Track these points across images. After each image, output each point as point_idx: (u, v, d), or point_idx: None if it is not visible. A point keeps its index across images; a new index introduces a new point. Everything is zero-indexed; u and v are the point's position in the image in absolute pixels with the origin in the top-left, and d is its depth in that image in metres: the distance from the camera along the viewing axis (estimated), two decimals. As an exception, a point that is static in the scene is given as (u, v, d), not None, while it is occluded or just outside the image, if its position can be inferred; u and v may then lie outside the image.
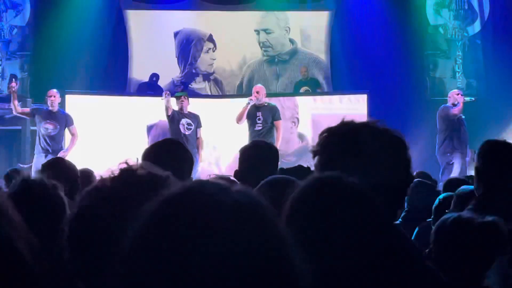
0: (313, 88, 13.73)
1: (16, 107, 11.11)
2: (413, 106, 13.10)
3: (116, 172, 1.54)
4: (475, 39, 14.04)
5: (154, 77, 13.94)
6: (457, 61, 14.06)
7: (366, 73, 13.61)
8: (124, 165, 1.56)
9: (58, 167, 4.45)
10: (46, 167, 4.72)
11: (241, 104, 11.41)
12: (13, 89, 11.05)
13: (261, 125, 11.05)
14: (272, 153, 4.08)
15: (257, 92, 11.17)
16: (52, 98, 11.04)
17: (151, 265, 0.99)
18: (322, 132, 2.09)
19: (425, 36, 14.09)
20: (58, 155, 10.42)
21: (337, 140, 2.04)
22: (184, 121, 11.19)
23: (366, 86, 13.13)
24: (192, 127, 11.17)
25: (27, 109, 11.32)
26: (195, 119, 11.22)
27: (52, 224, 2.52)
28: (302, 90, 13.71)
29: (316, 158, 2.05)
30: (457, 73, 14.08)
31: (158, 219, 1.03)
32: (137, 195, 1.44)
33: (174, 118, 11.16)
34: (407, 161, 2.03)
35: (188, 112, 11.25)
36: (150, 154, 3.13)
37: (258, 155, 3.96)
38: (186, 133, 11.15)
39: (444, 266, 2.59)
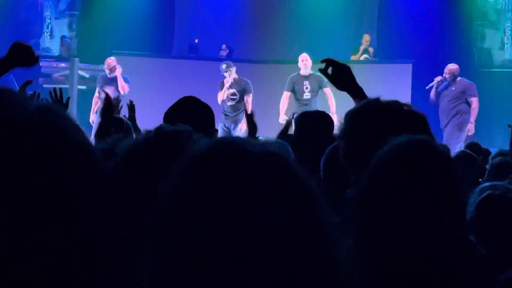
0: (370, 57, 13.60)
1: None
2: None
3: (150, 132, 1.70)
4: (525, 10, 13.79)
5: (195, 40, 14.06)
6: (506, 32, 13.83)
7: (412, 43, 13.47)
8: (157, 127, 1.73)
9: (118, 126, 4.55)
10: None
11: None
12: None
13: (309, 94, 11.10)
14: (327, 121, 4.13)
15: (306, 60, 11.19)
16: (108, 70, 11.45)
17: (189, 215, 1.05)
18: (348, 113, 2.15)
19: (474, 6, 13.86)
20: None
21: (360, 122, 2.10)
22: (227, 92, 11.26)
23: (412, 55, 13.01)
24: (237, 97, 11.23)
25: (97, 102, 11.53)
26: (241, 87, 11.25)
27: None
28: (362, 57, 13.59)
29: (341, 140, 2.12)
30: (505, 44, 13.86)
31: (194, 169, 1.08)
32: (164, 148, 1.60)
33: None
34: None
35: (234, 80, 11.27)
36: (168, 116, 3.24)
37: (315, 123, 4.00)
38: (228, 103, 11.22)
39: (483, 240, 2.62)
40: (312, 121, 4.03)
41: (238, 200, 1.03)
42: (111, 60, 11.50)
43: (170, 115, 3.23)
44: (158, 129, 1.69)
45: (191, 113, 3.19)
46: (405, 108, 2.15)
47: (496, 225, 2.60)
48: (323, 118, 4.12)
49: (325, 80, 11.69)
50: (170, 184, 1.10)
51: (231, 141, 1.12)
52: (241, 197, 1.04)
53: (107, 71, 11.43)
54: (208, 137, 3.14)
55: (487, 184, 2.74)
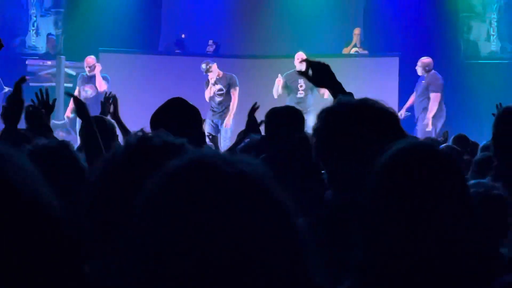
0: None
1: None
2: (446, 69, 12.95)
3: (132, 141, 1.57)
4: (510, 1, 13.82)
5: (182, 35, 14.04)
6: (492, 23, 13.87)
7: (399, 35, 13.49)
8: (140, 134, 1.59)
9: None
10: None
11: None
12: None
13: (303, 92, 11.16)
14: (297, 117, 4.09)
15: (302, 59, 11.24)
16: (88, 68, 11.66)
17: (156, 237, 1.04)
18: (321, 112, 2.16)
19: (460, -2, 13.91)
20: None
21: (335, 121, 2.11)
22: (213, 88, 11.28)
23: (398, 48, 13.03)
24: (223, 91, 11.25)
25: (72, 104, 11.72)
26: (226, 82, 11.27)
27: (63, 184, 2.57)
28: (352, 51, 13.58)
29: (315, 137, 2.13)
30: (491, 36, 13.90)
31: (163, 193, 1.07)
32: (151, 164, 1.46)
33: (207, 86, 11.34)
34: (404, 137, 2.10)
35: (219, 76, 11.30)
36: (156, 119, 3.20)
37: (285, 119, 3.97)
38: (217, 99, 11.23)
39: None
40: (281, 118, 3.99)
41: (207, 221, 1.02)
42: (91, 59, 11.74)
43: (158, 117, 3.20)
44: (140, 141, 1.57)
45: (178, 115, 3.16)
46: (376, 105, 2.15)
47: (482, 223, 2.60)
48: (293, 114, 4.07)
49: None
50: (143, 199, 1.08)
51: (207, 159, 1.09)
52: (211, 218, 1.02)
53: (86, 69, 11.63)
54: (195, 139, 3.15)
55: (471, 182, 2.75)
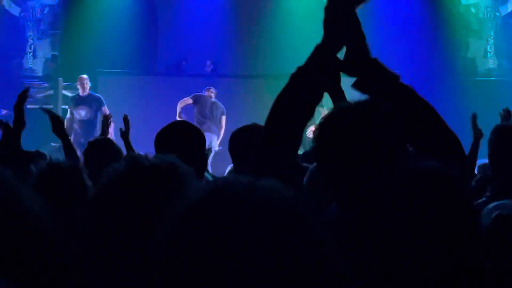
0: None
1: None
2: (444, 87, 12.98)
3: (121, 165, 1.57)
4: (507, 18, 13.87)
5: (183, 61, 14.07)
6: (489, 41, 13.90)
7: (397, 54, 13.51)
8: (130, 159, 1.59)
9: (106, 148, 4.47)
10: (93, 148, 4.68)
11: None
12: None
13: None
14: (259, 133, 4.05)
15: None
16: (84, 84, 11.47)
17: (177, 274, 0.99)
18: (320, 124, 2.02)
19: (456, 16, 13.94)
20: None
21: (330, 131, 1.98)
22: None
23: (397, 67, 13.03)
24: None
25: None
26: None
27: (69, 208, 2.58)
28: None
29: (315, 147, 2.01)
30: (488, 53, 13.93)
31: (184, 228, 1.01)
32: (144, 187, 1.50)
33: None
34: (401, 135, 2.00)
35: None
36: (159, 140, 3.18)
37: (246, 137, 3.93)
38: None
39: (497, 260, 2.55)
40: (242, 136, 3.96)
41: (228, 266, 0.96)
42: (85, 77, 11.51)
43: (160, 139, 3.18)
44: (129, 164, 1.55)
45: (182, 138, 3.15)
46: (377, 110, 2.02)
47: (510, 245, 2.55)
48: (254, 131, 4.04)
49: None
50: (165, 230, 1.04)
51: (226, 189, 1.02)
52: (232, 263, 0.96)
53: (85, 85, 11.36)
54: (199, 161, 3.11)
55: (494, 204, 2.71)
